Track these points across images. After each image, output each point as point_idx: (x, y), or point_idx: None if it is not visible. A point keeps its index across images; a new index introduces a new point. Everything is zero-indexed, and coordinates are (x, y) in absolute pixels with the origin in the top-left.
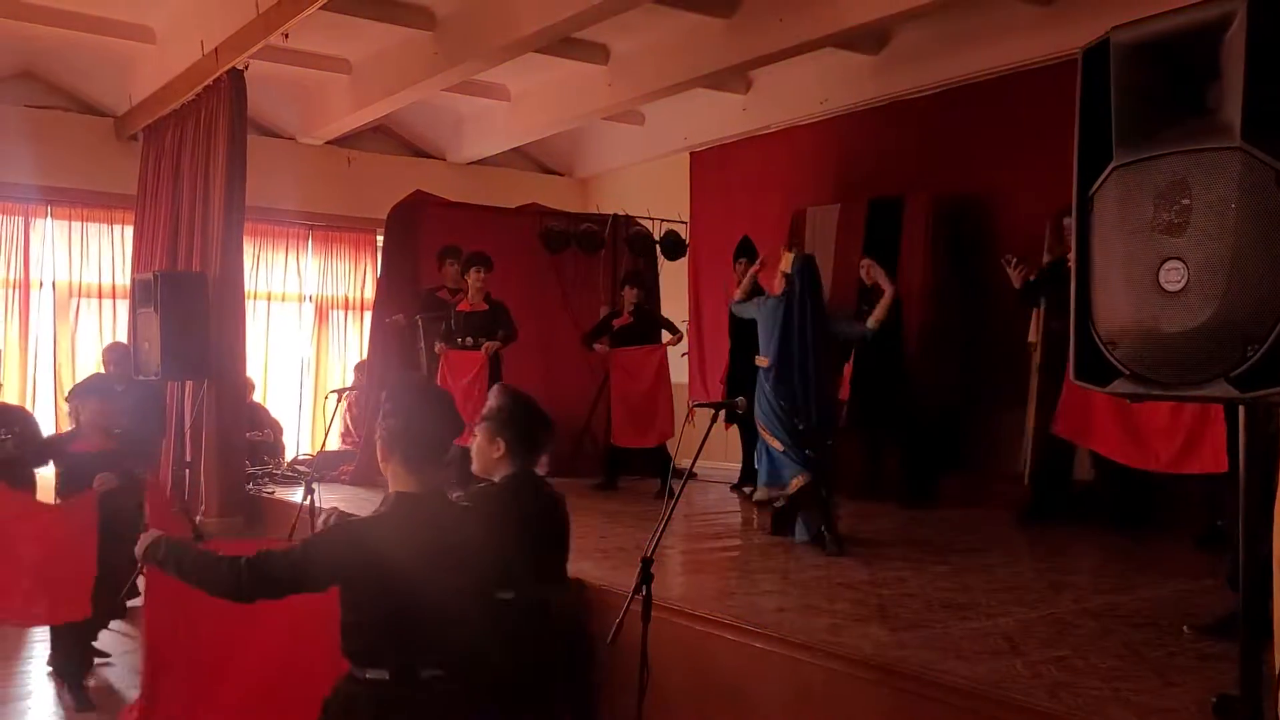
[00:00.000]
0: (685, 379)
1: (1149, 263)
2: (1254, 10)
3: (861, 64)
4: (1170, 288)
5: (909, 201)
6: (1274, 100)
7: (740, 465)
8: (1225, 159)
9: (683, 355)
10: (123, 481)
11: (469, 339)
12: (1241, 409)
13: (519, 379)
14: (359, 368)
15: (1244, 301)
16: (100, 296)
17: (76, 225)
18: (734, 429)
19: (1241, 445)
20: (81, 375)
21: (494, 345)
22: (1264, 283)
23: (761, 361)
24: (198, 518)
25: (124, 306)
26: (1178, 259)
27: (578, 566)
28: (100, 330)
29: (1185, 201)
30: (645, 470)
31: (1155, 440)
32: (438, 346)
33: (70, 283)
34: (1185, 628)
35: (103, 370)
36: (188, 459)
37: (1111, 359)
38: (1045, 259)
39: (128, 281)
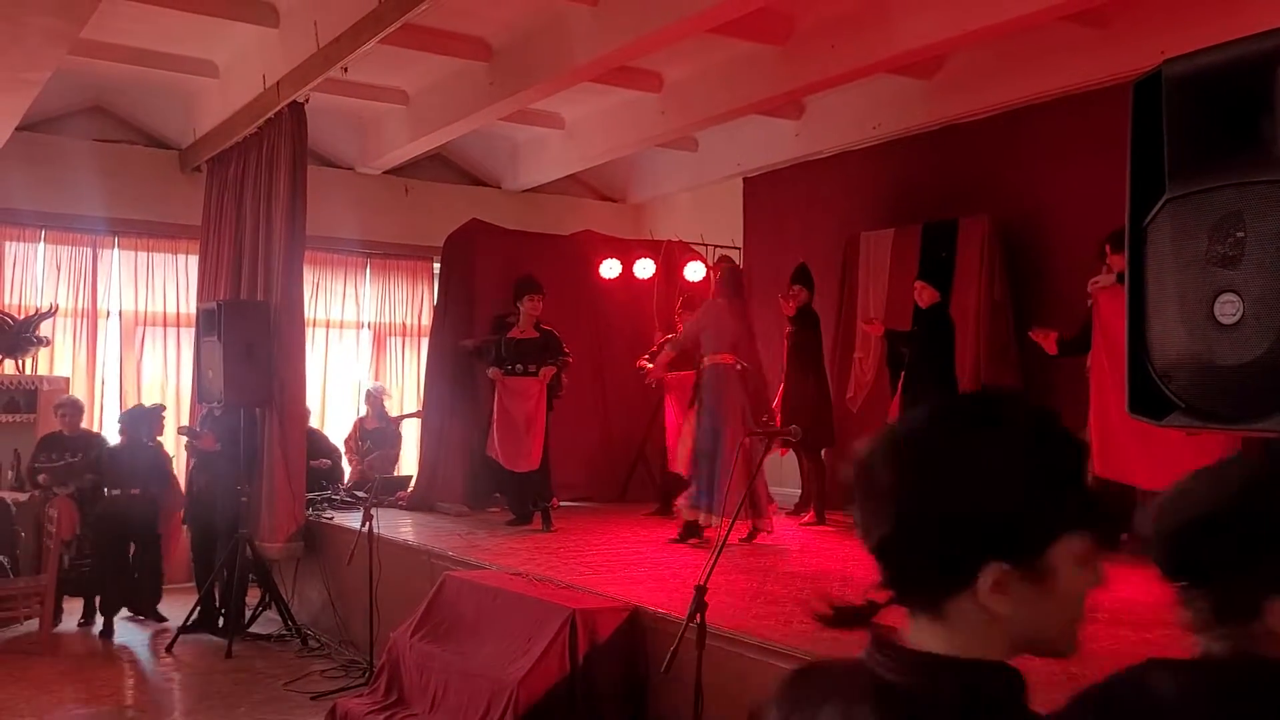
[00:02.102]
0: None
1: (1204, 295)
2: None
3: (914, 89)
4: (1225, 320)
5: (963, 225)
6: None
7: (800, 491)
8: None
9: None
10: None
11: (518, 366)
12: None
13: (573, 405)
14: (370, 396)
15: None
16: (165, 325)
17: (142, 256)
18: (790, 455)
19: None
20: (148, 399)
21: (551, 370)
22: None
23: None
24: (258, 543)
25: (188, 335)
26: (1233, 292)
27: (633, 593)
28: (164, 359)
29: (1240, 234)
30: None
31: (1188, 461)
32: (491, 371)
33: (136, 312)
34: None
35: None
36: (249, 486)
37: (1167, 392)
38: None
39: (192, 310)
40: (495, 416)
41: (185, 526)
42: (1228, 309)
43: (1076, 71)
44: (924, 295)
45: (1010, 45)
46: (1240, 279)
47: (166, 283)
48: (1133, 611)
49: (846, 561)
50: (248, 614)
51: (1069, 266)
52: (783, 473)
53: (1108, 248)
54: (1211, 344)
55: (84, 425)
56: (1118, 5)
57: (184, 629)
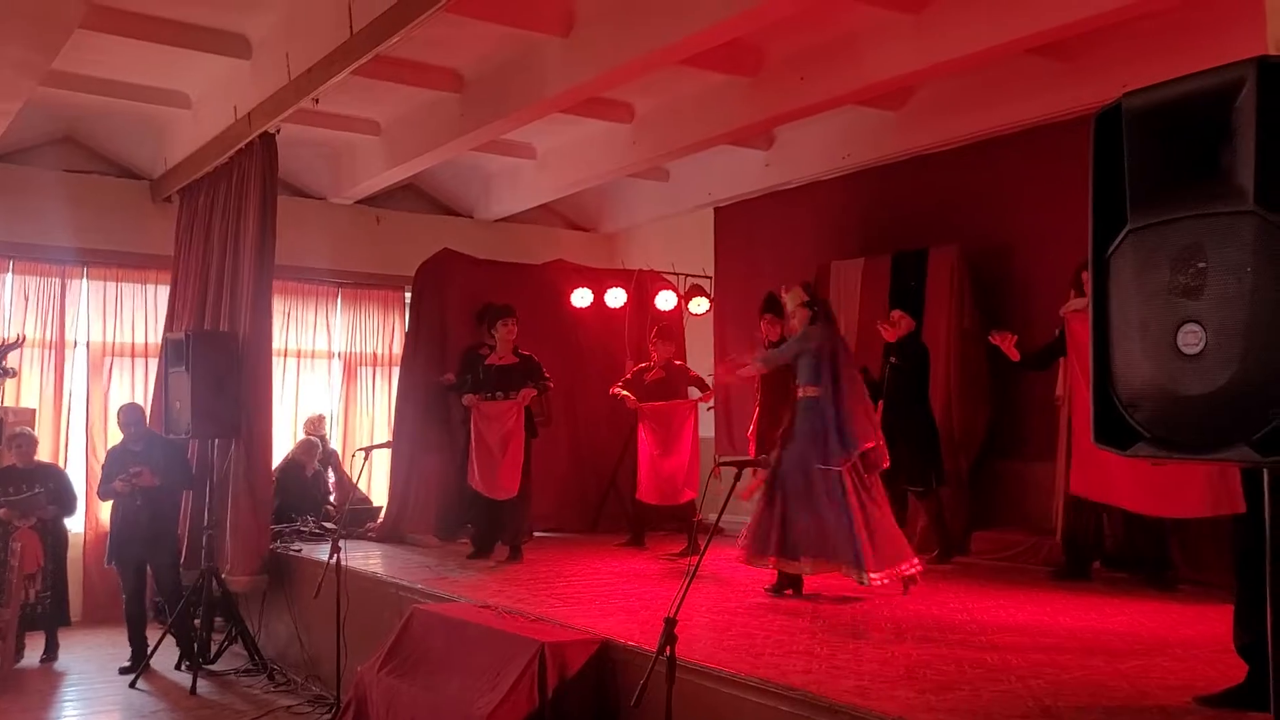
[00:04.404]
0: (711, 433)
1: (1167, 325)
2: (1264, 75)
3: (883, 120)
4: (1189, 351)
5: (933, 254)
6: None
7: None
8: (1240, 223)
9: (709, 409)
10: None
11: (499, 393)
12: (1266, 473)
13: (545, 435)
14: (309, 424)
15: (1263, 365)
16: (133, 356)
17: (111, 286)
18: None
19: (1267, 513)
20: (114, 433)
21: (532, 392)
22: None
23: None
24: (224, 576)
25: (157, 366)
26: (1195, 322)
27: (603, 625)
28: (133, 389)
29: (1201, 265)
30: (672, 527)
31: (1171, 487)
32: (466, 399)
33: (104, 342)
34: (1193, 699)
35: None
36: (213, 517)
37: (1132, 422)
38: (1065, 311)
39: (160, 341)
40: (472, 445)
41: (111, 565)
42: (1190, 339)
43: (1042, 104)
44: (903, 324)
45: (977, 78)
46: (1202, 309)
47: (135, 313)
48: (1106, 641)
49: (820, 592)
50: (213, 648)
51: (1037, 294)
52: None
53: (1084, 275)
54: (1175, 374)
55: (40, 457)
56: (1081, 39)
57: (145, 664)
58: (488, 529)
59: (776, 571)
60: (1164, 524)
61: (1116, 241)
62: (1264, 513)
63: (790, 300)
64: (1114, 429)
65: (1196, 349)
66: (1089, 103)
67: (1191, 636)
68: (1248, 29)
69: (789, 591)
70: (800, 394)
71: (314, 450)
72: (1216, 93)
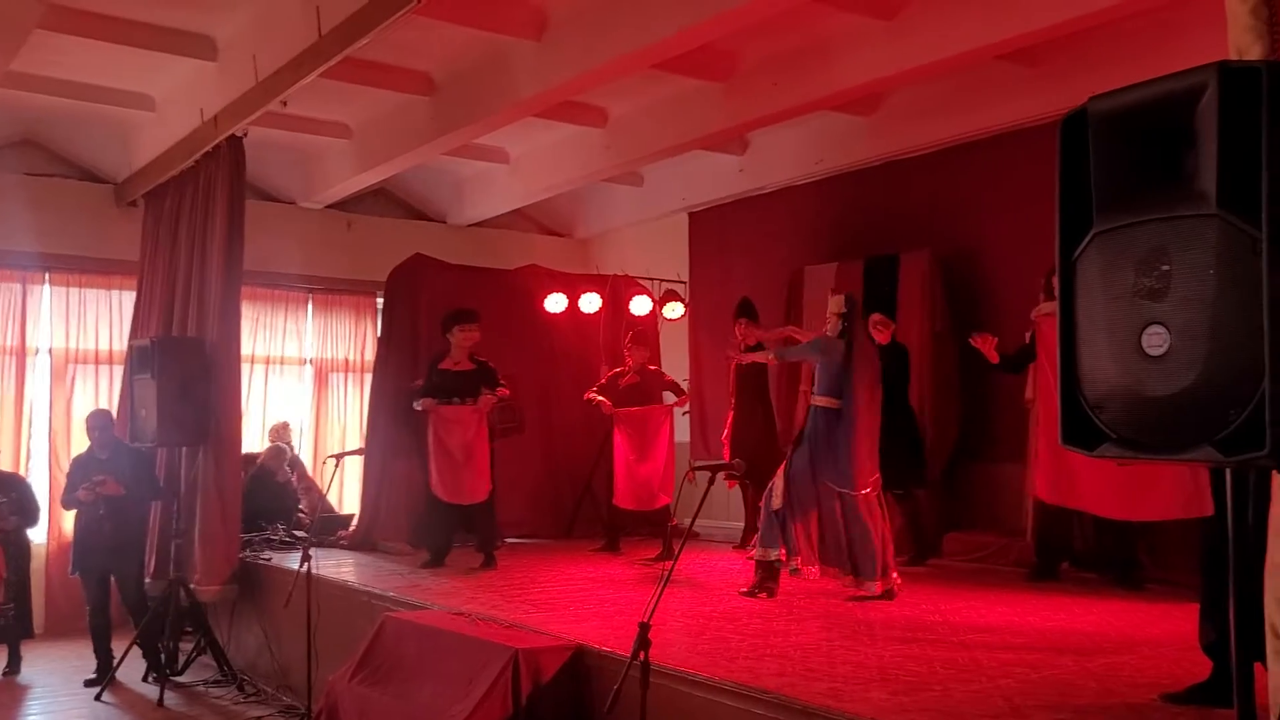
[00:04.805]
0: (687, 438)
1: (1132, 327)
2: (1225, 80)
3: (855, 125)
4: (1153, 352)
5: (905, 259)
6: (1248, 168)
7: (743, 525)
8: (1203, 226)
9: (684, 414)
10: None
11: (454, 398)
12: (1229, 473)
13: (521, 442)
14: (274, 431)
15: (1225, 366)
16: (97, 363)
17: (74, 292)
18: (736, 488)
19: (1230, 514)
20: (77, 441)
21: (493, 399)
22: (1244, 348)
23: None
24: (193, 586)
25: (121, 373)
26: (1160, 324)
27: (577, 631)
28: (96, 397)
29: (1165, 267)
30: (647, 532)
31: (1137, 490)
32: (422, 403)
33: (67, 349)
34: (1158, 697)
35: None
36: (181, 525)
37: (1099, 423)
38: (1035, 314)
39: (124, 348)
40: (431, 449)
41: (75, 575)
42: (1155, 341)
43: (1012, 109)
44: (885, 331)
45: (947, 84)
46: (1166, 311)
47: (99, 319)
48: (1074, 640)
49: (792, 595)
50: (181, 659)
51: (1008, 298)
52: (729, 507)
53: (1055, 279)
54: (1140, 376)
55: (1, 467)
56: (1049, 46)
57: (111, 677)
58: (446, 538)
59: (755, 572)
60: (1133, 525)
61: (1083, 244)
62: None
63: (831, 305)
64: (1081, 430)
65: (1161, 350)
66: (1057, 108)
67: (1158, 635)
68: (1210, 35)
69: (763, 595)
70: (814, 400)
71: (283, 456)
72: (1180, 97)
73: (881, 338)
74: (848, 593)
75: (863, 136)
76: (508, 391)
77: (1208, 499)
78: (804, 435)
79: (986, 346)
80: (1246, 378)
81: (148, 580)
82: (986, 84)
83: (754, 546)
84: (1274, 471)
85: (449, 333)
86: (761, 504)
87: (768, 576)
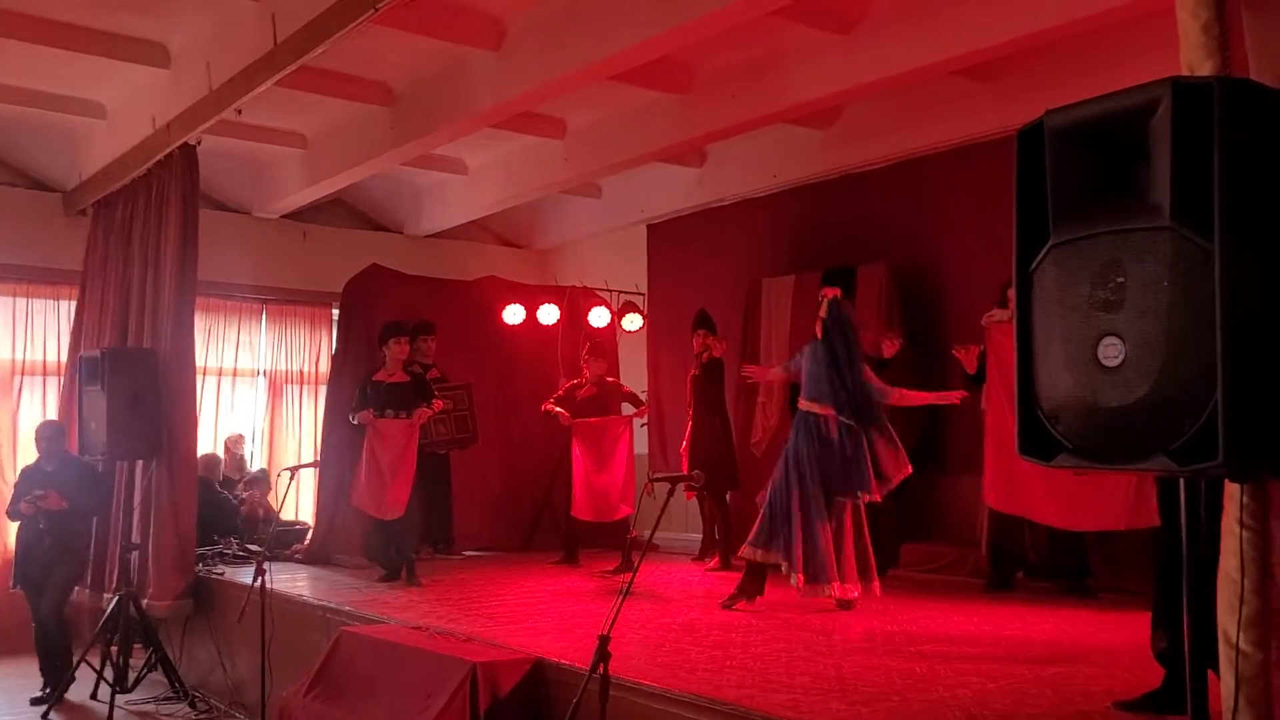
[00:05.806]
0: (645, 450)
1: (1088, 338)
2: (1178, 96)
3: (813, 139)
4: (1109, 363)
5: (862, 271)
6: (1200, 181)
7: (701, 537)
8: (1156, 239)
9: (642, 425)
10: None
11: (388, 411)
12: (1182, 483)
13: (476, 452)
14: (229, 443)
15: (1179, 377)
16: (45, 374)
17: (21, 302)
18: (694, 500)
19: (1183, 524)
20: (24, 453)
21: (428, 413)
22: (1197, 359)
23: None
24: (144, 601)
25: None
26: (1115, 335)
27: (536, 644)
28: (44, 408)
29: (1120, 279)
30: (606, 544)
31: (1083, 501)
32: (361, 416)
33: (13, 360)
34: (1111, 705)
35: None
36: (135, 540)
37: (1055, 433)
38: (986, 321)
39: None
40: (364, 462)
41: (18, 589)
42: (1110, 352)
43: (967, 123)
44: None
45: (904, 98)
46: (1121, 323)
47: (47, 330)
48: (1029, 650)
49: (754, 607)
50: (131, 676)
51: (965, 311)
52: (688, 519)
53: (1010, 292)
54: (1096, 386)
55: None
56: (1004, 61)
57: (59, 696)
58: (385, 549)
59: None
60: (1085, 535)
61: (1040, 256)
62: (1178, 524)
63: (821, 308)
64: (1037, 440)
65: (1116, 361)
66: (1012, 123)
67: (1111, 643)
68: (1163, 52)
69: (742, 602)
70: (802, 405)
71: (217, 465)
72: (1134, 112)
73: (888, 351)
74: (808, 603)
75: (820, 150)
76: (441, 404)
77: (1153, 509)
78: (801, 442)
79: (968, 357)
80: (1200, 388)
81: (86, 592)
82: (943, 98)
83: (716, 558)
84: (1225, 480)
85: (384, 345)
86: (759, 500)
87: (751, 579)
